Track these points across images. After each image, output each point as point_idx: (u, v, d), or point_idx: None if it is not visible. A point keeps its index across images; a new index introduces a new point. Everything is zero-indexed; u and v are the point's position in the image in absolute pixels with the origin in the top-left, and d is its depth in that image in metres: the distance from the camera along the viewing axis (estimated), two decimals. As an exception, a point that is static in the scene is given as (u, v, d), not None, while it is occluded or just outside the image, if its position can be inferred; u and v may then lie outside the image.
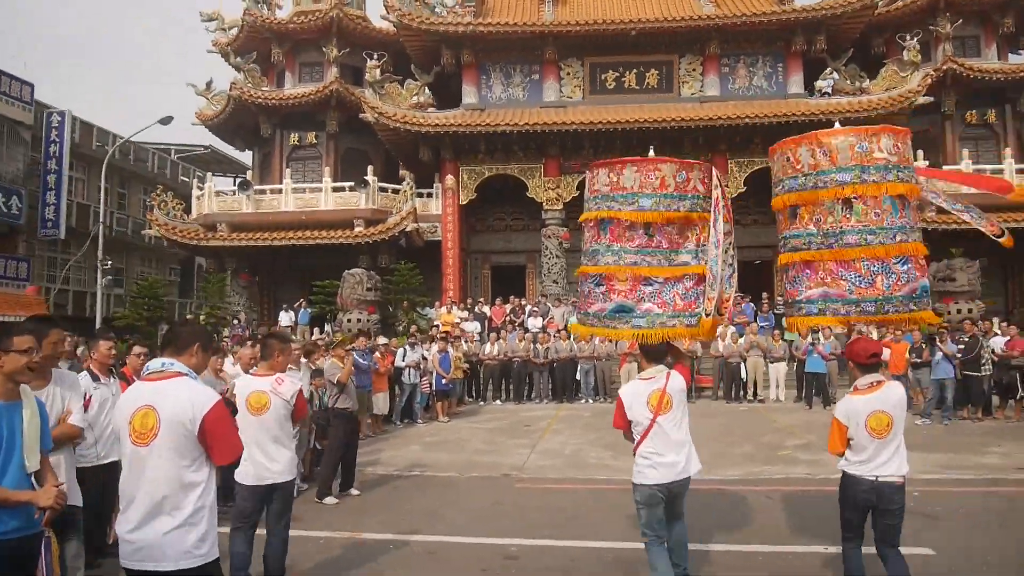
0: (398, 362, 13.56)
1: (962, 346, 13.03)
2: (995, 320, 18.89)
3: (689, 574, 4.97)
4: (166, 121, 21.50)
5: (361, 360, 12.23)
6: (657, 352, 5.05)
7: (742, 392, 16.53)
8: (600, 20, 22.33)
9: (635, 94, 23.32)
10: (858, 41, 23.56)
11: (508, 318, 20.49)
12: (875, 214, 4.78)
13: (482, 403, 17.14)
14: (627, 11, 23.42)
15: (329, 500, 7.70)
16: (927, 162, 20.25)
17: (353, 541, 6.38)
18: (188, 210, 23.74)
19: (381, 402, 12.93)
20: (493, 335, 17.75)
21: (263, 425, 5.08)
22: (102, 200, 23.41)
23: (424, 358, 14.27)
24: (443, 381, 14.30)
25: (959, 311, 17.72)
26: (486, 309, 21.18)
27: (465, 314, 20.75)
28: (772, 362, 16.41)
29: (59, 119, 24.57)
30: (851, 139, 4.87)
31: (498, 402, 17.16)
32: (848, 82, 22.42)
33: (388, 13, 22.64)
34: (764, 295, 20.99)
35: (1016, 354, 12.58)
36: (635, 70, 23.39)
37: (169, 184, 27.91)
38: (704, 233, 5.22)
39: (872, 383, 4.59)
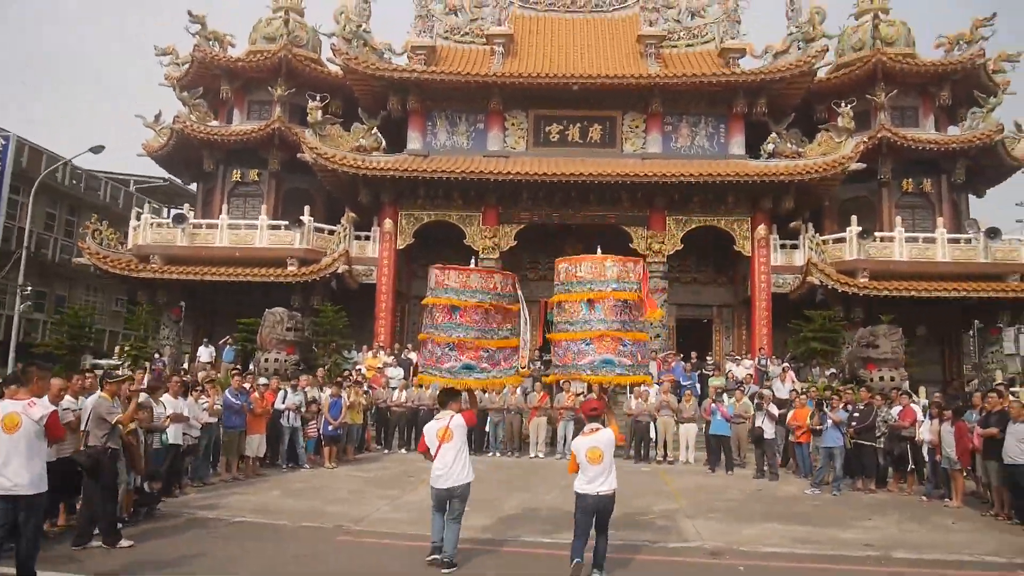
0: (278, 404, 13.20)
1: (857, 414, 12.79)
2: (923, 390, 18.76)
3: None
4: (97, 150, 21.44)
5: (233, 400, 11.96)
6: (449, 398, 7.69)
7: (653, 452, 16.20)
8: (544, 73, 22.55)
9: (578, 147, 23.46)
10: (800, 107, 23.84)
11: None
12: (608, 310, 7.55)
13: (386, 451, 16.72)
14: (575, 66, 23.68)
15: (124, 543, 7.29)
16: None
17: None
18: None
19: (256, 444, 12.55)
20: (402, 382, 17.40)
21: (14, 443, 5.83)
22: (27, 223, 23.14)
23: (315, 401, 13.94)
24: (329, 427, 13.93)
25: (881, 378, 17.55)
26: (412, 355, 20.84)
27: (390, 359, 20.43)
28: (681, 422, 16.10)
29: (3, 142, 24.50)
30: (599, 265, 7.81)
31: (404, 451, 16.72)
32: (789, 145, 22.60)
33: (336, 57, 22.87)
34: (692, 354, 20.80)
35: (907, 424, 12.32)
36: (579, 124, 23.57)
37: (121, 213, 27.76)
38: (514, 318, 8.28)
39: (592, 428, 6.96)
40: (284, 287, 22.05)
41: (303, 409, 13.55)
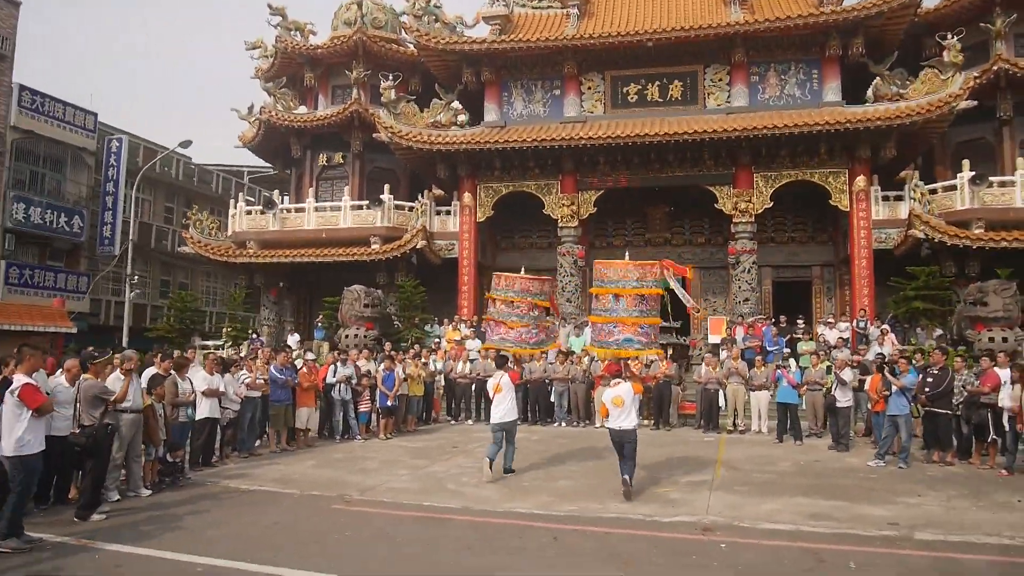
0: (328, 378, 13.57)
1: (931, 379, 11.52)
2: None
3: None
4: (185, 144, 22.79)
5: (278, 374, 12.38)
6: (501, 363, 11.05)
7: (724, 421, 15.41)
8: (616, 32, 21.67)
9: (658, 107, 22.45)
10: (907, 43, 21.63)
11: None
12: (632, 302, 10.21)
13: (453, 422, 16.88)
14: (652, 22, 22.63)
15: (96, 516, 7.66)
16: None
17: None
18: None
19: (305, 417, 12.97)
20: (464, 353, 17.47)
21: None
22: (132, 216, 25.07)
23: (367, 375, 14.23)
24: (386, 399, 14.18)
25: (991, 339, 15.80)
26: (491, 327, 20.86)
27: (469, 331, 20.55)
28: (752, 390, 15.16)
29: (117, 144, 26.57)
30: (623, 268, 10.44)
31: (469, 422, 16.82)
32: (891, 87, 20.55)
33: (407, 34, 23.03)
34: (782, 318, 19.55)
35: (986, 390, 10.95)
36: (658, 82, 22.53)
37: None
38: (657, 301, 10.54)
39: (615, 383, 9.31)
40: (369, 265, 22.63)
41: (354, 381, 13.85)
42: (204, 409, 10.53)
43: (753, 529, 7.32)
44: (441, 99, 23.74)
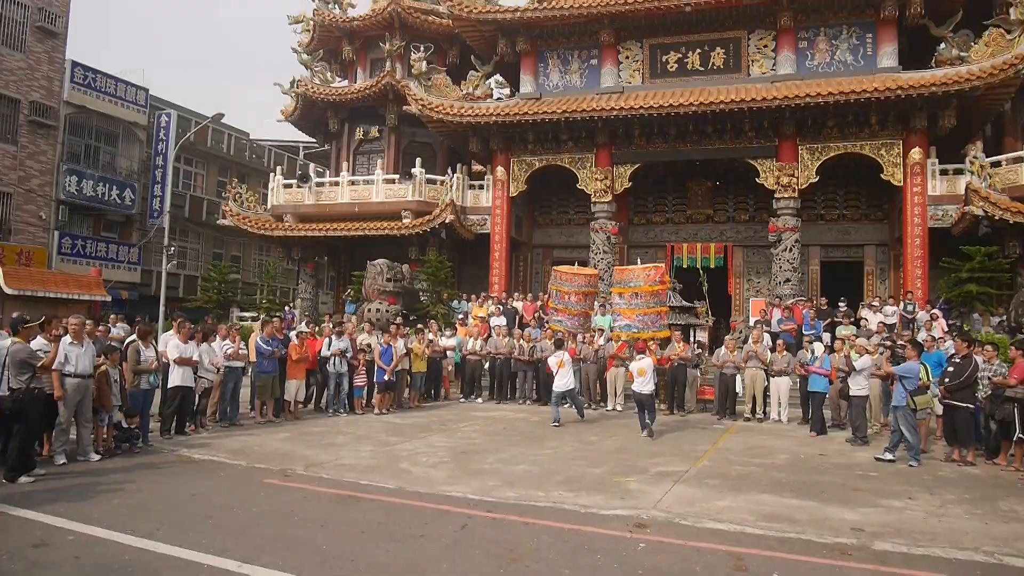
0: (324, 351, 13.39)
1: (951, 368, 10.39)
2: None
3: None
4: (217, 117, 22.98)
5: (264, 346, 12.26)
6: (560, 344, 13.88)
7: (747, 407, 14.47)
8: (657, -3, 20.58)
9: (699, 76, 21.27)
10: (976, 3, 19.71)
11: (537, 314, 19.61)
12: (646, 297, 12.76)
13: (463, 400, 16.53)
14: (695, -15, 21.40)
15: (24, 479, 7.61)
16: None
17: None
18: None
19: (294, 389, 12.84)
20: (475, 331, 17.05)
21: None
22: (166, 188, 25.56)
23: (363, 350, 13.99)
24: (383, 374, 13.92)
25: (1046, 328, 14.32)
26: (518, 304, 20.40)
27: (496, 308, 20.12)
28: (773, 375, 14.17)
29: (166, 119, 27.17)
30: (641, 271, 13.12)
31: (479, 400, 16.44)
32: (953, 51, 18.80)
33: (440, 4, 22.55)
34: (822, 300, 18.33)
35: (1012, 382, 9.76)
36: (699, 50, 21.33)
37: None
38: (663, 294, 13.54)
39: (640, 358, 12.18)
40: (403, 240, 22.45)
41: (349, 355, 13.64)
42: (176, 377, 10.48)
43: (691, 528, 6.64)
44: (477, 71, 23.24)
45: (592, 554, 5.82)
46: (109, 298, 19.32)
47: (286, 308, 22.59)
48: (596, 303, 17.78)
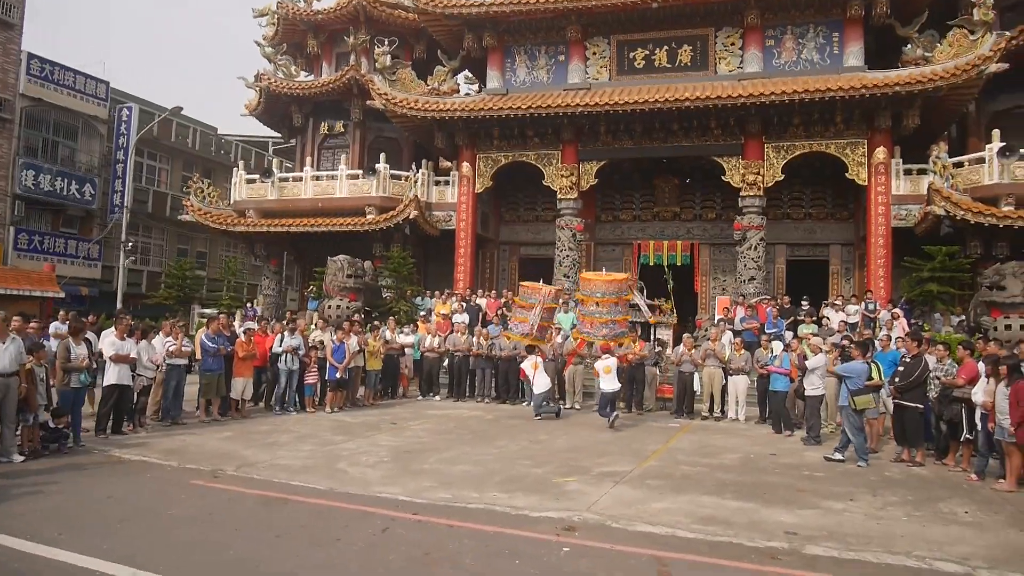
0: (275, 347, 13.08)
1: (902, 367, 10.30)
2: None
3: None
4: (176, 111, 22.52)
5: (209, 343, 11.95)
6: (532, 350, 14.31)
7: (705, 406, 14.35)
8: (620, -8, 20.40)
9: (667, 72, 21.11)
10: (942, 3, 19.72)
11: (500, 311, 19.40)
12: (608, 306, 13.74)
13: (420, 397, 16.28)
14: (662, -18, 21.25)
15: None
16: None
17: None
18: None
19: (240, 387, 12.54)
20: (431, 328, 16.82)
21: None
22: (127, 182, 25.05)
23: (315, 347, 13.70)
24: (335, 372, 13.63)
25: (1008, 327, 14.32)
26: (481, 301, 20.17)
27: (458, 305, 19.88)
28: (731, 374, 14.06)
29: (127, 112, 26.63)
30: (596, 281, 14.30)
31: (437, 398, 16.20)
32: (917, 51, 18.80)
33: (408, -1, 22.22)
34: (784, 299, 18.28)
35: (960, 382, 9.68)
36: (666, 47, 21.18)
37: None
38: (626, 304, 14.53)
39: (605, 357, 13.03)
40: (367, 236, 22.11)
41: (301, 352, 13.34)
42: (112, 375, 10.14)
43: (621, 531, 6.45)
44: (444, 66, 22.97)
45: (512, 559, 5.61)
46: (63, 294, 18.88)
47: (248, 305, 22.20)
48: (569, 301, 17.68)
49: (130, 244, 22.11)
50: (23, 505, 6.76)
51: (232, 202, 23.99)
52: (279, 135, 30.68)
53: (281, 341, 13.14)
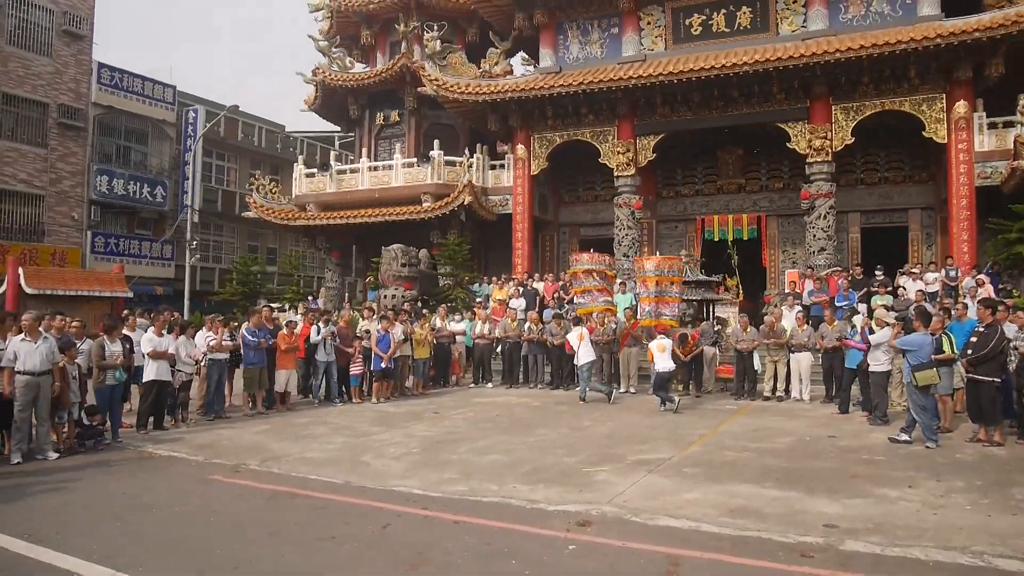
0: (313, 338, 13.04)
1: (974, 339, 9.32)
2: None
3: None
4: (233, 109, 22.86)
5: (250, 337, 12.00)
6: (577, 322, 14.56)
7: (769, 387, 13.55)
8: (673, -44, 19.50)
9: (724, 38, 20.10)
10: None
11: (557, 294, 18.98)
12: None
13: (472, 385, 16.03)
14: (716, -59, 20.19)
15: None
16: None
17: None
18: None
19: (284, 379, 12.54)
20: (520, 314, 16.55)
21: None
22: (194, 183, 25.62)
23: (359, 338, 13.61)
24: (380, 362, 13.50)
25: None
26: (538, 285, 19.75)
27: (515, 290, 19.53)
28: (794, 351, 13.19)
29: (193, 114, 27.35)
30: (648, 261, 15.05)
31: (489, 385, 15.91)
32: (1004, -7, 17.19)
33: (453, -20, 21.91)
34: (857, 269, 17.14)
35: (1042, 352, 8.68)
36: (723, 10, 20.14)
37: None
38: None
39: (661, 337, 12.75)
40: (423, 224, 22.03)
41: (338, 341, 13.26)
42: (151, 371, 10.25)
43: (640, 525, 5.96)
44: (497, 48, 22.56)
45: (508, 559, 5.21)
46: (131, 294, 19.45)
47: (309, 298, 22.44)
48: (617, 281, 17.14)
49: (195, 243, 22.71)
50: (41, 502, 6.80)
51: (293, 197, 24.32)
52: (339, 129, 31.03)
53: (318, 331, 13.09)
